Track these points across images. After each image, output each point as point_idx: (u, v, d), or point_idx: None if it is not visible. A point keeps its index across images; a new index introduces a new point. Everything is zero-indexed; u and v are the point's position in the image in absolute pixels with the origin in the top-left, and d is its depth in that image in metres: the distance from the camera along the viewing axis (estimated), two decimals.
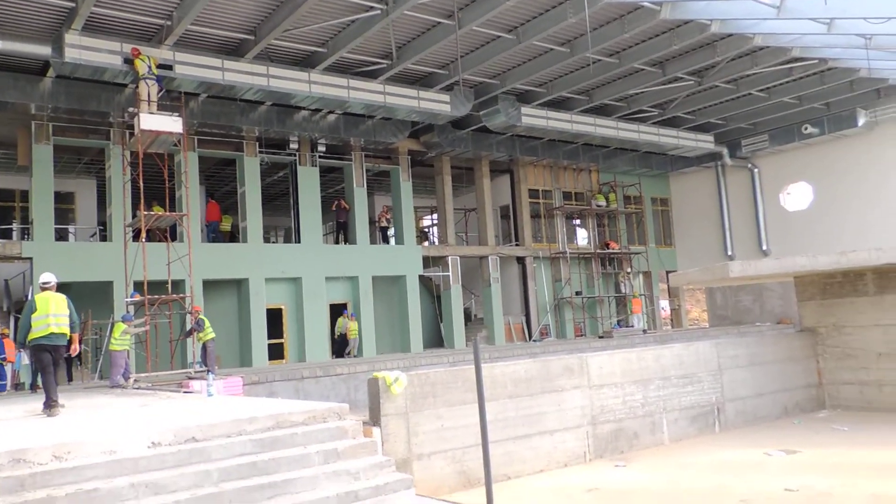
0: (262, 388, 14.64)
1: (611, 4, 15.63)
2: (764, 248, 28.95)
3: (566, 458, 9.99)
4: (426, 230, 33.60)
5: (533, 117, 22.38)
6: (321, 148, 22.25)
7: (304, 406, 8.22)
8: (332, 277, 22.02)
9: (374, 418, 8.43)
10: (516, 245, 27.42)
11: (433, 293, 26.33)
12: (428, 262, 24.64)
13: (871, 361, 12.38)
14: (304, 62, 17.89)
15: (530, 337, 26.56)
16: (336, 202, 23.75)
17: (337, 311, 22.36)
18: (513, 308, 27.18)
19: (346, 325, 21.37)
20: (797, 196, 28.71)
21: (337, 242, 23.59)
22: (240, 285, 20.83)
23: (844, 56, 19.31)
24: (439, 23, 16.38)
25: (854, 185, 26.41)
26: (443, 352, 21.57)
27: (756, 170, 29.29)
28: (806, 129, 26.58)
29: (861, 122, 25.19)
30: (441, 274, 24.87)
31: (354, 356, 21.08)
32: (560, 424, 10.05)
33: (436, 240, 31.38)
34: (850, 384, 12.67)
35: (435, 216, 31.81)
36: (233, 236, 23.16)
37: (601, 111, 24.25)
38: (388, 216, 25.35)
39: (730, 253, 29.99)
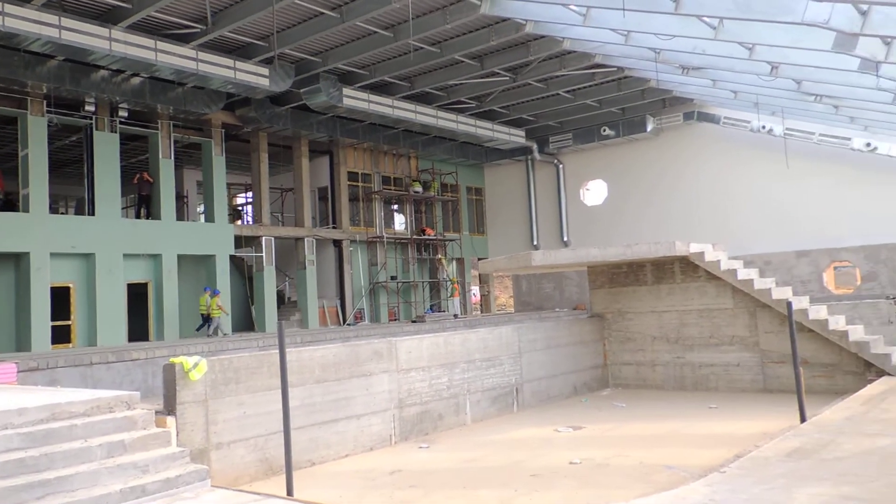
0: (42, 376, 13.20)
1: None
2: (565, 239, 31.20)
3: (372, 442, 10.10)
4: (240, 208, 32.17)
5: (355, 99, 22.19)
6: (123, 113, 20.36)
7: (86, 395, 7.52)
8: (131, 254, 20.35)
9: (170, 407, 7.92)
10: (333, 228, 27.13)
11: (245, 274, 25.32)
12: (240, 241, 23.61)
13: (647, 344, 13.82)
14: (106, 17, 16.23)
15: (344, 321, 26.48)
16: (138, 174, 21.93)
17: (136, 290, 20.76)
18: (328, 291, 26.93)
19: (209, 302, 20.91)
20: (595, 192, 31.26)
21: (138, 217, 21.82)
22: (18, 260, 18.57)
23: (638, 67, 21.23)
24: None
25: (642, 185, 29.25)
26: (253, 335, 20.84)
27: (561, 166, 31.42)
28: (604, 130, 28.96)
29: (650, 127, 27.93)
30: (254, 254, 23.97)
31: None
32: (367, 408, 10.13)
33: (250, 219, 30.17)
34: (629, 364, 14.06)
35: (250, 194, 30.54)
36: (10, 204, 20.57)
37: (422, 99, 24.63)
38: (150, 179, 21.69)
39: (535, 243, 31.96)
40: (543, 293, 31.56)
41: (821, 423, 7.82)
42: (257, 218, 25.06)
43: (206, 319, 21.02)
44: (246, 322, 24.77)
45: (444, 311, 28.77)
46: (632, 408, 12.20)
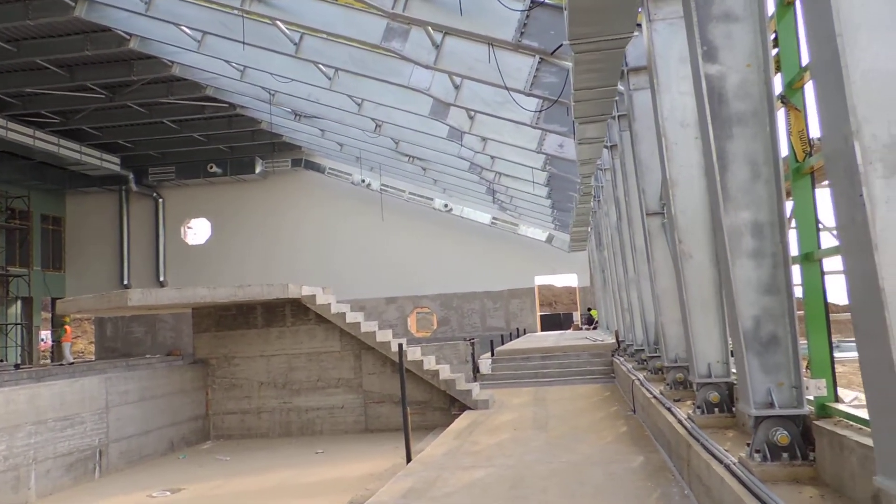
0: None
1: None
2: (162, 278, 28.81)
3: None
4: None
5: None
6: None
7: None
8: None
9: None
10: None
11: None
12: None
13: (254, 390, 13.21)
14: None
15: None
16: None
17: None
18: None
19: None
20: (198, 230, 29.71)
21: None
22: None
23: (251, 106, 20.96)
24: None
25: (249, 227, 28.82)
26: None
27: (161, 200, 29.17)
28: (211, 167, 27.87)
29: (258, 169, 27.81)
30: None
31: None
32: None
33: None
34: (234, 413, 13.25)
35: None
36: None
37: None
38: None
39: (126, 281, 28.83)
40: (132, 338, 28.61)
41: (424, 460, 8.21)
42: None
43: None
44: None
45: (1, 361, 23.73)
46: (237, 461, 11.37)
